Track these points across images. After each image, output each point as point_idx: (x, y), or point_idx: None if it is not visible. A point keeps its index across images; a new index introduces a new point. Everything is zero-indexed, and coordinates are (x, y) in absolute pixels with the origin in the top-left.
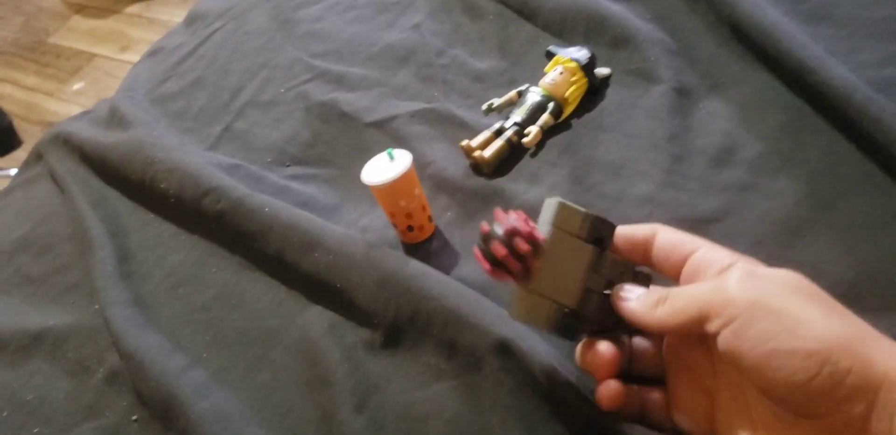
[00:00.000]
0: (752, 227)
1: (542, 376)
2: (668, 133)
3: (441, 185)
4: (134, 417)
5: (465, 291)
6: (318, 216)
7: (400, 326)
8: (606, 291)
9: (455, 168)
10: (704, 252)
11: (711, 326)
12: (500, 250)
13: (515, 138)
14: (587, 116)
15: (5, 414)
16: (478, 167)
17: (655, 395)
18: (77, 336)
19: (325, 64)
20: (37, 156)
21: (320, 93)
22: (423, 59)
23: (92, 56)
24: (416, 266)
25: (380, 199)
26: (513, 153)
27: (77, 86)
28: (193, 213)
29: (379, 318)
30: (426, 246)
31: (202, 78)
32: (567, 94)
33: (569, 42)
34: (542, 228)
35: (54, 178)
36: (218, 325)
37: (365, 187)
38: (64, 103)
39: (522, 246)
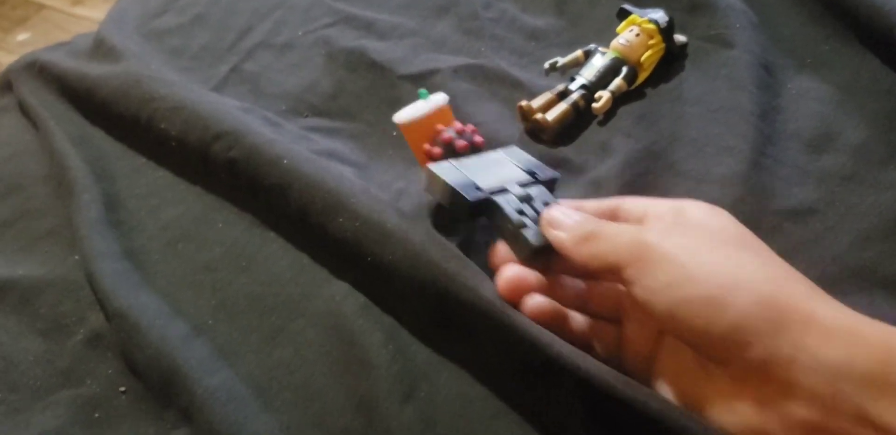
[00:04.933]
0: (857, 220)
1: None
2: (758, 109)
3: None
4: (122, 389)
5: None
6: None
7: (446, 312)
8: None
9: (509, 131)
10: (662, 207)
11: (627, 274)
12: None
13: (583, 102)
14: (664, 87)
15: None
16: (536, 132)
17: (608, 328)
18: (51, 290)
19: (350, 8)
20: (4, 85)
21: (345, 39)
22: (466, 10)
23: (41, 7)
24: (450, 249)
25: (411, 143)
26: (578, 119)
27: (22, 36)
28: (199, 159)
29: (419, 301)
30: None
31: (204, 15)
32: (643, 58)
33: (637, 4)
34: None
35: (25, 112)
36: (225, 288)
37: (399, 147)
38: (6, 53)
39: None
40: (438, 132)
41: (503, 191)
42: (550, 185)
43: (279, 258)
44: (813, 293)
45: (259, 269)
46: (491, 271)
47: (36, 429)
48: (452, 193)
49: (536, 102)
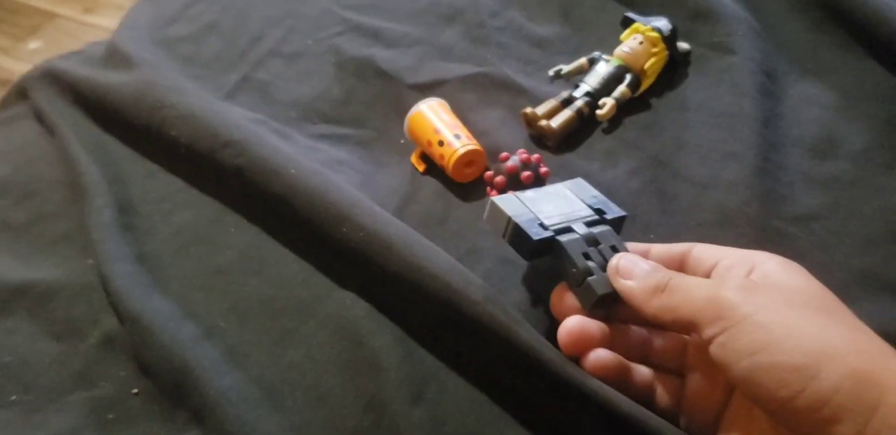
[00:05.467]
0: (862, 225)
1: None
2: (761, 115)
3: (497, 156)
4: (135, 391)
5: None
6: (351, 182)
7: (450, 323)
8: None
9: (513, 139)
10: (734, 258)
11: (705, 334)
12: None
13: (587, 109)
14: (667, 94)
15: None
16: (540, 138)
17: (671, 381)
18: (66, 293)
19: (358, 17)
20: (20, 94)
21: (354, 47)
22: (473, 19)
23: (53, 15)
24: (452, 262)
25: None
26: (582, 126)
27: (34, 45)
28: (208, 166)
29: (424, 311)
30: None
31: (216, 22)
32: (647, 66)
33: (641, 12)
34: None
35: (41, 119)
36: (237, 291)
37: (406, 154)
38: (18, 61)
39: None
40: (503, 160)
41: (568, 230)
42: (618, 224)
43: (290, 262)
44: None
45: (270, 272)
46: (553, 317)
47: (50, 429)
48: (515, 229)
49: (541, 109)
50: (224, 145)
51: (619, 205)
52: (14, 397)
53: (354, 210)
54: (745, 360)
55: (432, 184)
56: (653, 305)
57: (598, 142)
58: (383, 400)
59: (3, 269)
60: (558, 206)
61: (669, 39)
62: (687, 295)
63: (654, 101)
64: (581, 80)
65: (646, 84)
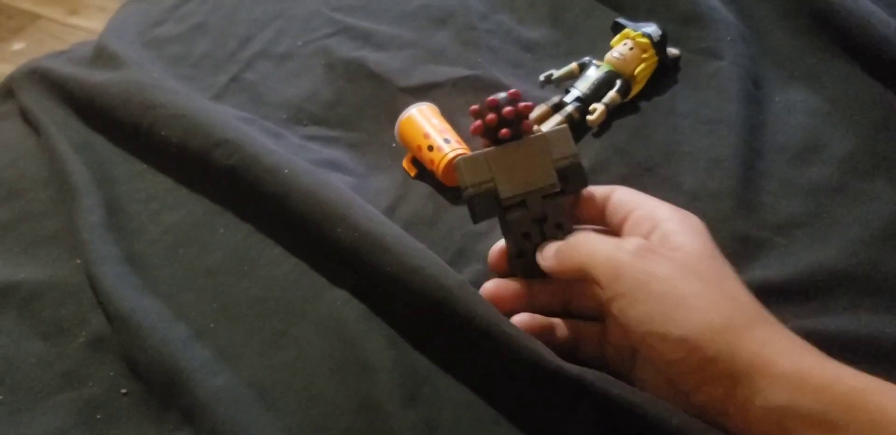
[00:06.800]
0: (845, 231)
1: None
2: (747, 122)
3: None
4: (123, 391)
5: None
6: (343, 183)
7: (445, 324)
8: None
9: None
10: (642, 211)
11: (604, 293)
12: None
13: (577, 115)
14: (657, 99)
15: None
16: None
17: (591, 329)
18: (53, 293)
19: (349, 19)
20: (5, 92)
21: (344, 49)
22: (464, 21)
23: (36, 17)
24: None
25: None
26: (572, 131)
27: (17, 46)
28: (199, 166)
29: (418, 312)
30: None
31: (205, 23)
32: (637, 71)
33: (630, 17)
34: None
35: (26, 119)
36: (227, 292)
37: (397, 157)
38: (1, 62)
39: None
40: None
41: (521, 205)
42: (576, 192)
43: (280, 263)
44: (772, 336)
45: (260, 273)
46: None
47: (37, 430)
48: (469, 201)
49: (531, 115)
50: (216, 145)
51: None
52: (0, 397)
53: (349, 210)
54: (640, 327)
55: (422, 187)
56: (563, 265)
57: (587, 147)
58: (376, 401)
59: None
60: (525, 169)
61: (659, 45)
62: (590, 250)
63: (643, 104)
64: (571, 86)
65: (636, 89)
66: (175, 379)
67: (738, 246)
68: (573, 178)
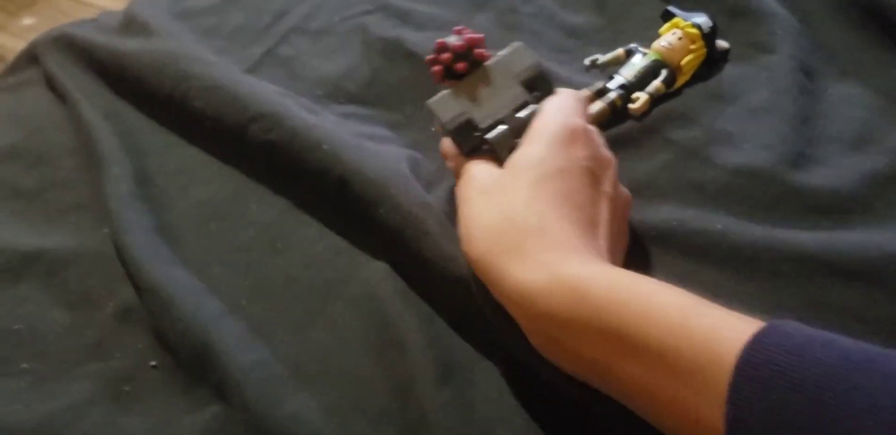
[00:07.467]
0: None
1: None
2: (800, 112)
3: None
4: (153, 363)
5: None
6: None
7: (480, 310)
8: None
9: None
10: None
11: None
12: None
13: (620, 102)
14: (700, 85)
15: None
16: None
17: None
18: (80, 262)
19: None
20: (30, 58)
21: (382, 28)
22: (505, 4)
23: None
24: None
25: None
26: (614, 118)
27: (28, 21)
28: (234, 140)
29: (453, 297)
30: None
31: None
32: (684, 62)
33: (679, 7)
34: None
35: (52, 85)
36: (260, 269)
37: (435, 141)
38: (11, 37)
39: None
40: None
41: (500, 122)
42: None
43: (315, 241)
44: (521, 252)
45: (294, 251)
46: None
47: (63, 400)
48: (452, 139)
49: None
50: (253, 119)
51: (650, 197)
52: (25, 365)
53: (393, 190)
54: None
55: None
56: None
57: (628, 133)
58: (411, 382)
59: (14, 235)
60: (493, 95)
61: (709, 37)
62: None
63: (687, 90)
64: (616, 72)
65: (681, 80)
66: (206, 353)
67: (790, 220)
68: (539, 86)
